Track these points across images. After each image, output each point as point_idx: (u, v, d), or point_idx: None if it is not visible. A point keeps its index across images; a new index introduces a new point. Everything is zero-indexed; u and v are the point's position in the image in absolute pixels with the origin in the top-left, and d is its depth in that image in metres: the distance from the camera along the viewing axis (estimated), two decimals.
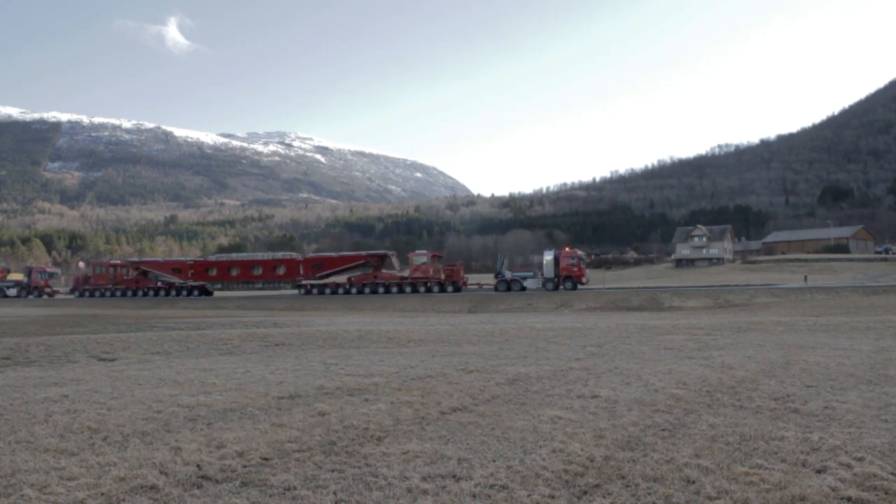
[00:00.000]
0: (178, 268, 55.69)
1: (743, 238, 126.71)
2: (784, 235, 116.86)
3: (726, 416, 6.52)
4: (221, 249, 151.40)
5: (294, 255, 56.90)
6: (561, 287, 44.94)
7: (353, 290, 49.33)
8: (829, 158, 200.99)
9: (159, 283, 55.15)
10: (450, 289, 47.60)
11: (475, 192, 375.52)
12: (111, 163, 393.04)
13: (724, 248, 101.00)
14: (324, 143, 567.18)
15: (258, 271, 52.76)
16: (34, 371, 10.61)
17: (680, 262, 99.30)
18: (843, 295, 35.08)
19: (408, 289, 48.14)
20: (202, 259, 59.18)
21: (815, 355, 11.21)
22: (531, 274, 47.60)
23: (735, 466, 4.83)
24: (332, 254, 59.08)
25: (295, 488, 4.45)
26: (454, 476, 4.68)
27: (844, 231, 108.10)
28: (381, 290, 48.62)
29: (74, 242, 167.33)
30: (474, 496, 4.29)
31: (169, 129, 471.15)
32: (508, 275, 47.12)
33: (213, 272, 53.92)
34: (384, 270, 50.80)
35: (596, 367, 10.02)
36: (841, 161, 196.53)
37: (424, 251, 52.53)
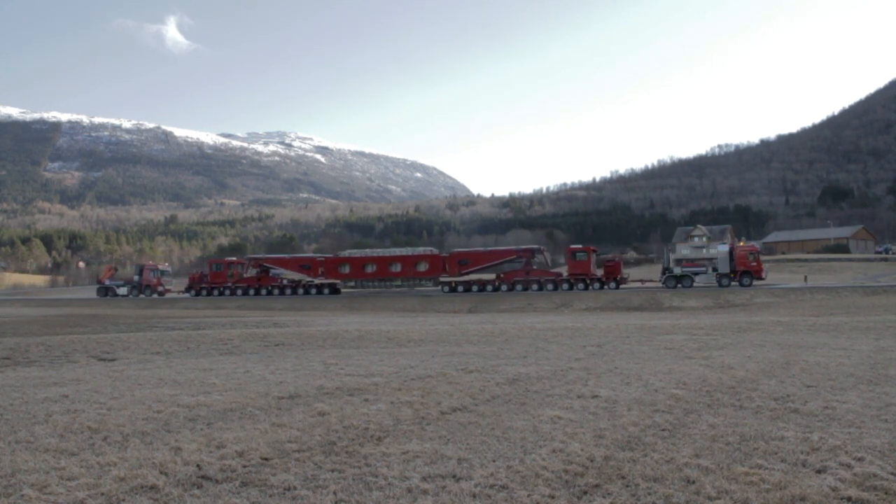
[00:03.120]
0: (306, 264, 53.16)
1: (743, 238, 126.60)
2: (784, 235, 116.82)
3: (726, 416, 6.52)
4: (221, 249, 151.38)
5: (433, 250, 54.59)
6: (736, 283, 41.68)
7: (503, 288, 46.43)
8: (829, 158, 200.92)
9: (285, 281, 52.55)
10: (612, 285, 44.63)
11: (475, 192, 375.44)
12: (111, 163, 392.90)
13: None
14: (324, 143, 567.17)
15: (396, 268, 49.99)
16: (34, 371, 10.61)
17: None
18: (843, 295, 35.08)
19: (564, 286, 45.23)
20: (334, 255, 56.07)
21: (815, 355, 11.21)
22: (703, 269, 43.97)
23: (735, 466, 4.83)
24: (480, 249, 55.50)
25: (295, 488, 4.45)
26: (454, 476, 4.68)
27: (844, 231, 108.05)
28: (534, 287, 45.57)
29: (74, 242, 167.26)
30: (474, 496, 4.29)
31: (169, 129, 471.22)
32: (678, 270, 44.14)
33: (346, 269, 51.09)
34: (535, 266, 48.33)
35: (596, 367, 10.02)
36: (841, 161, 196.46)
37: (581, 246, 49.94)
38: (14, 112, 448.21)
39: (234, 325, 22.98)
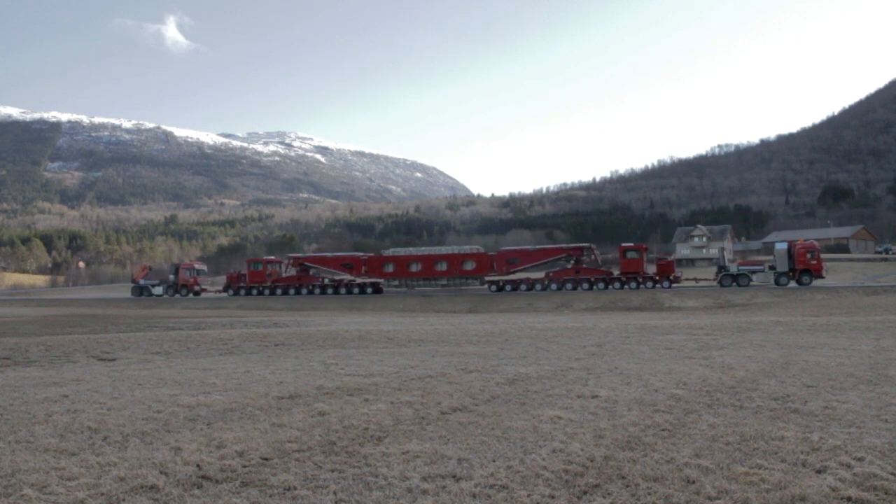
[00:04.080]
0: (349, 263, 52.22)
1: (743, 238, 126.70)
2: (784, 235, 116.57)
3: (726, 416, 6.52)
4: (221, 249, 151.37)
5: (479, 248, 53.74)
6: (794, 283, 40.78)
7: (553, 287, 45.60)
8: (829, 158, 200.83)
9: (326, 280, 51.89)
10: (665, 284, 43.89)
11: (475, 192, 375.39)
12: (111, 163, 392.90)
13: (724, 248, 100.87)
14: (324, 143, 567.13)
15: (442, 267, 49.05)
16: (34, 371, 10.61)
17: (680, 263, 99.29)
18: (843, 295, 35.08)
19: (616, 284, 44.45)
20: (377, 254, 55.34)
21: (815, 355, 11.20)
22: (760, 268, 43.16)
23: (735, 466, 4.83)
24: (529, 247, 54.41)
25: (295, 488, 4.45)
26: (454, 476, 4.68)
27: (844, 231, 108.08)
28: (584, 285, 45.12)
29: (74, 242, 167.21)
30: (474, 496, 4.29)
31: (169, 129, 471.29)
32: (734, 268, 43.13)
33: (390, 268, 50.30)
34: (585, 265, 47.77)
35: (596, 367, 10.01)
36: (841, 161, 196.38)
37: (632, 244, 48.93)
38: (14, 112, 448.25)
39: (234, 325, 22.98)
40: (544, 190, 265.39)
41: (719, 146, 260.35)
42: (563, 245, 53.52)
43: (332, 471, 4.83)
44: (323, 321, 26.41)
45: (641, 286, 43.86)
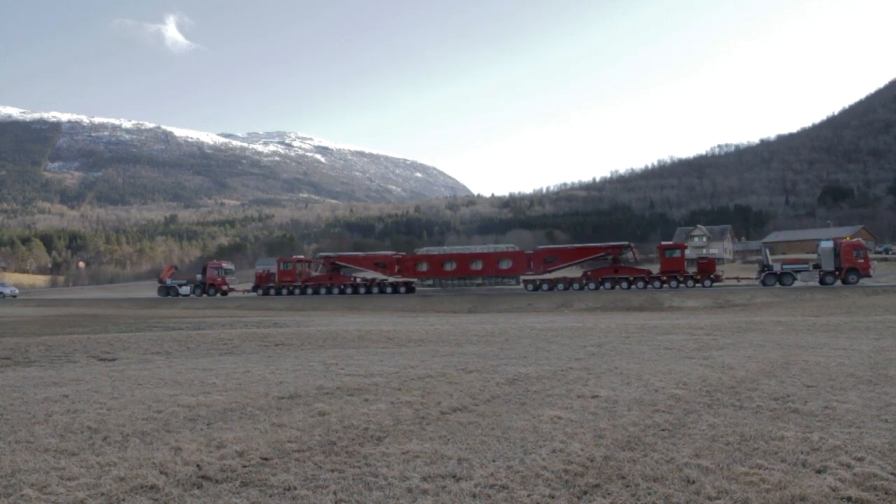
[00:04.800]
0: (381, 262, 51.60)
1: (743, 238, 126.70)
2: (784, 235, 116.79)
3: (726, 416, 6.52)
4: (221, 249, 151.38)
5: (514, 247, 53.11)
6: (840, 282, 39.60)
7: (591, 286, 44.78)
8: (829, 158, 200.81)
9: (358, 280, 51.32)
10: (707, 283, 42.95)
11: (475, 192, 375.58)
12: (111, 163, 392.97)
13: (724, 248, 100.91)
14: (324, 143, 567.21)
15: (478, 266, 48.36)
16: (34, 371, 10.60)
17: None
18: (843, 295, 35.05)
19: (656, 283, 43.59)
20: (411, 253, 54.92)
21: (815, 355, 11.20)
22: (806, 267, 41.80)
23: (735, 466, 4.83)
24: (567, 246, 54.04)
25: (295, 488, 4.45)
26: (454, 476, 4.68)
27: (844, 231, 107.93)
28: (623, 284, 44.25)
29: (74, 242, 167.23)
30: (474, 496, 4.29)
31: (169, 129, 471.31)
32: (778, 267, 41.87)
33: (424, 267, 49.69)
34: (623, 263, 47.18)
35: (596, 367, 10.01)
36: (841, 161, 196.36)
37: (672, 242, 47.86)
38: (14, 112, 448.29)
39: (234, 325, 22.97)
40: (544, 190, 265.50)
41: (719, 146, 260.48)
42: (602, 244, 52.71)
43: (332, 471, 4.83)
44: (323, 321, 26.40)
45: (683, 285, 42.98)
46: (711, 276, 43.48)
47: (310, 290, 50.57)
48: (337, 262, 52.79)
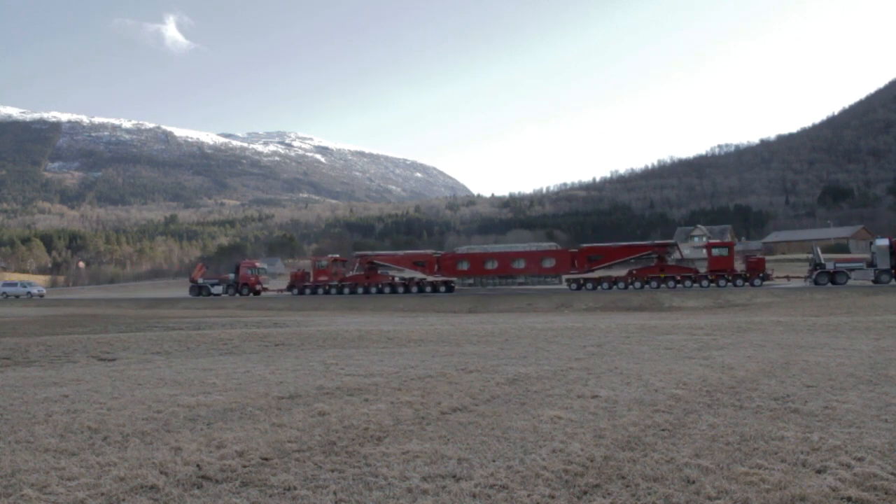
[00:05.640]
0: (421, 261, 50.88)
1: (743, 238, 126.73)
2: (784, 235, 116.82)
3: (726, 416, 6.52)
4: (221, 249, 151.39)
5: (555, 245, 52.53)
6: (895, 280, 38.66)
7: (636, 285, 43.96)
8: (829, 158, 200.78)
9: (396, 279, 50.56)
10: (757, 282, 41.88)
11: (475, 192, 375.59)
12: (111, 163, 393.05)
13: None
14: (324, 143, 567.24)
15: (520, 264, 47.69)
16: (34, 371, 10.60)
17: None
18: (843, 295, 35.04)
19: (704, 283, 42.67)
20: (451, 252, 53.73)
21: (815, 355, 11.20)
22: (859, 265, 40.55)
23: (735, 466, 4.83)
24: (612, 244, 52.84)
25: (295, 488, 4.45)
26: (454, 476, 4.68)
27: (844, 231, 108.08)
28: (670, 283, 43.14)
29: (74, 242, 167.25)
30: (474, 496, 4.29)
31: (169, 129, 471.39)
32: (831, 266, 40.66)
33: (465, 266, 49.02)
34: (670, 262, 46.18)
35: (596, 367, 10.01)
36: (841, 161, 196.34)
37: (719, 240, 46.86)
38: (14, 112, 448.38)
39: (234, 325, 22.97)
40: (544, 190, 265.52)
41: (719, 146, 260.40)
42: (648, 242, 51.71)
43: (332, 471, 4.83)
44: (323, 321, 26.40)
45: (732, 284, 42.05)
46: (761, 274, 42.41)
47: (346, 290, 49.89)
48: (374, 261, 52.12)
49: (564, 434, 5.79)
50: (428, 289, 48.63)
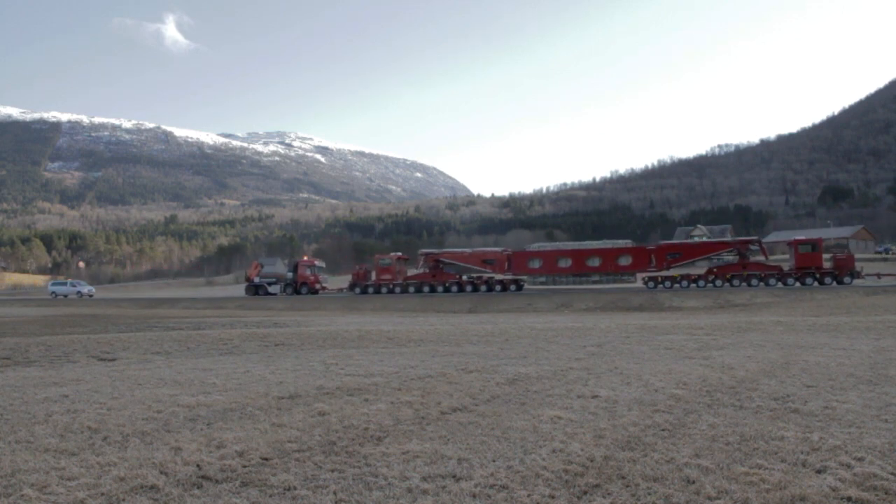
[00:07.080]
0: (490, 259, 49.12)
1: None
2: (784, 235, 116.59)
3: (726, 416, 6.52)
4: (221, 249, 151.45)
5: (629, 242, 51.03)
6: None
7: (717, 283, 42.56)
8: (829, 158, 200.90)
9: (464, 277, 49.17)
10: (847, 280, 40.33)
11: (475, 192, 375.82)
12: (111, 163, 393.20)
13: None
14: (324, 143, 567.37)
15: (595, 262, 46.31)
16: (34, 371, 10.60)
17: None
18: (843, 295, 35.03)
19: (790, 281, 40.89)
20: (522, 249, 52.27)
21: (815, 355, 11.20)
22: None
23: (735, 466, 4.83)
24: (690, 241, 50.89)
25: (295, 488, 4.45)
26: (454, 476, 4.68)
27: (844, 231, 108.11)
28: (754, 282, 41.44)
29: (74, 242, 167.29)
30: (474, 496, 4.29)
31: (169, 129, 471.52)
32: None
33: (536, 264, 47.53)
34: (752, 259, 44.68)
35: (596, 367, 10.01)
36: (841, 161, 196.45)
37: (804, 237, 45.57)
38: (14, 112, 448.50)
39: (233, 325, 22.97)
40: (544, 190, 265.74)
41: (719, 146, 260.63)
42: (729, 239, 49.80)
43: (332, 471, 4.83)
44: (323, 321, 26.40)
45: (820, 282, 40.46)
46: (851, 272, 40.72)
47: (412, 289, 48.62)
48: (441, 259, 50.83)
49: (564, 434, 5.79)
50: (497, 287, 47.60)
